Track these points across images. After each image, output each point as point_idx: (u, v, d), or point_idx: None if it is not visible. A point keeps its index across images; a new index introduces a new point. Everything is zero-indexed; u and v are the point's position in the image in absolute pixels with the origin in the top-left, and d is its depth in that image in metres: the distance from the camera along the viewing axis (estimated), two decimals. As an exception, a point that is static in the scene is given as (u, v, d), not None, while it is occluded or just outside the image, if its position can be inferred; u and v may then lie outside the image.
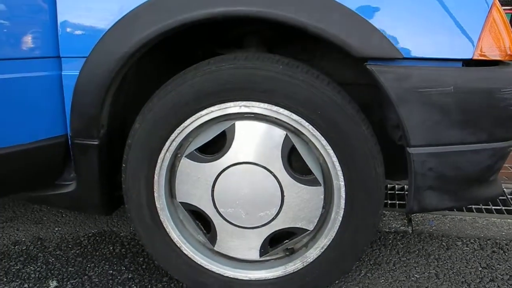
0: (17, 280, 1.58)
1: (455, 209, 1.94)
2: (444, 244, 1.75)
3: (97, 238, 1.86)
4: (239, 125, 1.20)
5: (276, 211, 1.24)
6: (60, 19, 1.20)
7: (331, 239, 1.26)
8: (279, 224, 1.26)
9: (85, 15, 1.19)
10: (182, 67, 1.29)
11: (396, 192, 2.18)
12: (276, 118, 1.17)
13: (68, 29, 1.20)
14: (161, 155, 1.23)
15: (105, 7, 1.18)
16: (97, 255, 1.73)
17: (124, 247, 1.78)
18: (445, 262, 1.62)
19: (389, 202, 2.06)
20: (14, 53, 1.17)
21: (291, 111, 1.15)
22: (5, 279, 1.59)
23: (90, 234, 1.90)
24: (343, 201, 1.21)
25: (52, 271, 1.63)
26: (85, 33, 1.20)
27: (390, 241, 1.78)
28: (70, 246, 1.81)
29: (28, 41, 1.20)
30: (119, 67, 1.17)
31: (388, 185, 2.21)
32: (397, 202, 2.07)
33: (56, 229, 1.96)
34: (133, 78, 1.29)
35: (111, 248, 1.78)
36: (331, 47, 1.12)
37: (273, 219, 1.25)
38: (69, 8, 1.20)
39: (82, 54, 1.20)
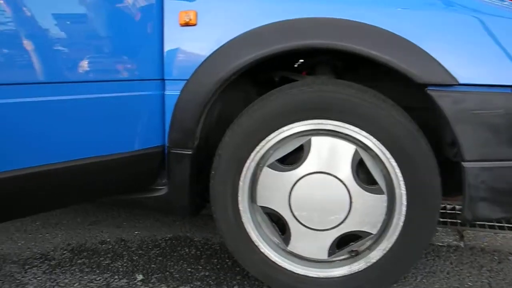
0: (108, 273, 1.81)
1: (506, 228, 2.07)
2: (496, 258, 1.88)
3: (174, 241, 2.08)
4: (315, 140, 1.40)
5: (345, 216, 1.42)
6: (166, 48, 1.45)
7: (392, 243, 1.43)
8: (346, 227, 1.44)
9: (188, 45, 1.44)
10: (261, 90, 1.51)
11: (448, 211, 2.32)
12: (347, 134, 1.37)
13: (172, 57, 1.45)
14: (247, 165, 1.44)
15: (205, 39, 1.42)
16: (175, 255, 1.94)
17: (199, 250, 1.99)
18: (497, 273, 1.75)
19: (441, 220, 2.20)
20: (127, 75, 1.42)
21: (361, 129, 1.35)
22: (97, 271, 1.82)
23: (167, 238, 2.12)
24: (404, 208, 1.39)
25: (137, 267, 1.85)
26: (186, 59, 1.44)
27: (443, 253, 1.92)
28: (150, 247, 2.03)
29: (138, 66, 1.45)
30: (216, 88, 1.40)
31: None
32: (449, 220, 2.21)
33: (136, 232, 2.20)
34: (220, 98, 1.52)
35: (187, 250, 1.99)
36: (392, 74, 1.32)
37: (341, 222, 1.43)
38: (174, 39, 1.45)
39: (183, 77, 1.44)
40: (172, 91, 1.46)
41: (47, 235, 2.21)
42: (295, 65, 1.78)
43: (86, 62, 1.35)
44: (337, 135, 1.39)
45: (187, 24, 1.41)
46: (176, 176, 1.54)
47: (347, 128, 1.36)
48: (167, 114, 1.49)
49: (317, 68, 1.64)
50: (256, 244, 1.52)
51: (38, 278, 1.77)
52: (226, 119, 1.56)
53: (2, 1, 1.18)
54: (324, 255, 1.49)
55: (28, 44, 1.23)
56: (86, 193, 1.50)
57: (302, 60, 1.72)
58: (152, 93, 1.46)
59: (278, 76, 1.66)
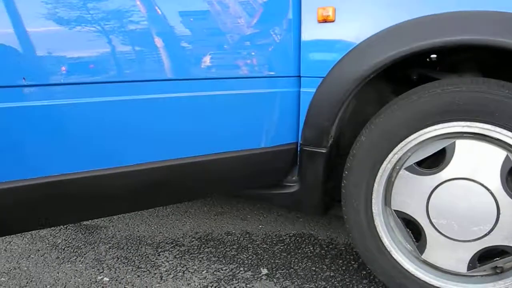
0: (234, 264, 1.85)
1: None
2: None
3: (298, 238, 2.08)
4: (460, 143, 1.30)
5: (490, 228, 1.30)
6: (303, 44, 1.44)
7: (546, 262, 1.28)
8: (491, 241, 1.32)
9: (325, 42, 1.41)
10: (395, 87, 1.43)
11: None
12: (497, 139, 1.25)
13: (309, 54, 1.43)
14: (383, 166, 1.38)
15: (343, 35, 1.38)
16: (300, 253, 1.94)
17: (323, 249, 1.96)
18: None
19: None
20: (264, 72, 1.43)
21: (515, 133, 1.22)
22: (224, 261, 1.87)
23: (291, 234, 2.12)
24: None
25: (262, 261, 1.87)
26: (324, 56, 1.41)
27: None
28: (274, 242, 2.05)
29: (275, 63, 1.45)
30: (354, 87, 1.36)
31: None
32: None
33: (260, 226, 2.23)
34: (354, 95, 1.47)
35: (311, 248, 1.97)
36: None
37: (485, 235, 1.32)
38: (311, 35, 1.43)
39: (320, 74, 1.42)
40: (308, 88, 1.44)
41: (176, 221, 2.33)
42: (429, 60, 1.66)
43: (225, 59, 1.38)
44: (485, 139, 1.27)
45: (325, 21, 1.39)
46: (308, 175, 1.52)
47: (499, 132, 1.24)
48: (302, 112, 1.48)
49: (460, 66, 1.51)
50: (388, 249, 1.46)
51: (170, 262, 1.87)
52: (359, 117, 1.51)
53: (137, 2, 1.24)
54: (463, 268, 1.39)
55: (172, 43, 1.30)
56: (220, 186, 1.55)
57: (435, 56, 1.60)
58: (288, 90, 1.46)
59: (416, 73, 1.56)
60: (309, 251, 1.94)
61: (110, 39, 1.22)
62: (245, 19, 1.40)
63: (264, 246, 2.00)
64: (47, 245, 2.11)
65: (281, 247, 1.98)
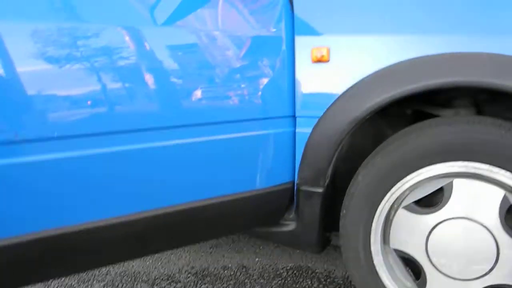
0: (232, 302, 1.83)
1: None
2: None
3: (295, 271, 2.06)
4: (457, 182, 1.30)
5: (490, 267, 1.30)
6: (297, 84, 1.44)
7: (548, 300, 1.28)
8: (492, 280, 1.31)
9: (320, 82, 1.41)
10: (392, 122, 1.43)
11: None
12: (495, 178, 1.25)
13: (304, 94, 1.43)
14: (381, 206, 1.38)
15: (338, 76, 1.38)
16: (297, 287, 1.92)
17: (321, 283, 1.94)
18: None
19: None
20: (259, 114, 1.42)
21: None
22: (221, 300, 1.85)
23: (288, 267, 2.10)
24: None
25: (260, 298, 1.85)
26: (319, 96, 1.41)
27: None
28: (271, 276, 2.03)
29: (270, 104, 1.45)
30: (350, 128, 1.35)
31: None
32: None
33: (257, 259, 2.21)
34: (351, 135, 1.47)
35: (309, 282, 1.95)
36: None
37: (486, 273, 1.31)
38: (306, 75, 1.43)
39: (315, 115, 1.42)
40: (304, 128, 1.44)
41: (172, 255, 2.30)
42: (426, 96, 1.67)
43: (218, 103, 1.37)
44: (483, 178, 1.27)
45: (319, 61, 1.39)
46: (305, 213, 1.51)
47: (496, 172, 1.24)
48: (298, 151, 1.47)
49: (455, 101, 1.52)
50: (387, 287, 1.44)
51: (167, 301, 1.84)
52: (356, 153, 1.50)
53: (127, 39, 1.23)
54: (464, 307, 1.37)
55: (165, 91, 1.29)
56: (218, 230, 1.53)
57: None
58: (283, 130, 1.46)
59: (411, 109, 1.57)
60: (306, 286, 1.92)
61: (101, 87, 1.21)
62: (238, 60, 1.40)
63: (261, 281, 1.98)
64: (39, 284, 2.07)
65: (279, 282, 1.96)
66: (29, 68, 1.11)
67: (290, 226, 1.58)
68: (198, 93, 1.34)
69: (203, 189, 1.39)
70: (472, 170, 1.26)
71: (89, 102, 1.17)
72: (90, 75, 1.17)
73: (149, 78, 1.27)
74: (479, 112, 1.49)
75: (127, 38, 1.24)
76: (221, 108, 1.37)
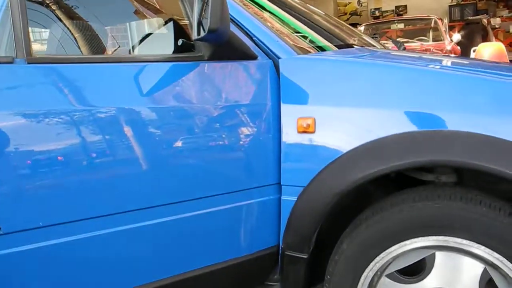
0: None
1: None
2: None
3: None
4: (439, 255, 1.33)
5: (473, 336, 1.33)
6: (283, 153, 1.44)
7: None
8: None
9: (305, 152, 1.42)
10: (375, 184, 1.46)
11: None
12: (475, 254, 1.28)
13: (289, 163, 1.43)
14: (364, 274, 1.40)
15: (323, 147, 1.39)
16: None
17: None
18: None
19: None
20: (245, 184, 1.43)
21: (492, 250, 1.25)
22: None
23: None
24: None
25: None
26: (304, 167, 1.42)
27: None
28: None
29: (256, 173, 1.46)
30: (334, 200, 1.37)
31: None
32: None
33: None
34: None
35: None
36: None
37: None
38: (291, 145, 1.43)
39: (300, 184, 1.43)
40: (289, 196, 1.45)
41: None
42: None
43: (206, 178, 1.39)
44: (464, 251, 1.30)
45: (304, 131, 1.40)
46: (289, 277, 1.53)
47: (476, 248, 1.27)
48: (283, 217, 1.48)
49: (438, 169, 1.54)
50: None
51: None
52: (341, 216, 1.52)
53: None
54: None
55: (153, 169, 1.31)
56: None
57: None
58: (269, 198, 1.47)
59: (394, 172, 1.58)
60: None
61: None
62: (225, 130, 1.40)
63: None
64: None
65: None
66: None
67: (274, 287, 1.59)
68: (186, 169, 1.36)
69: (193, 260, 1.42)
70: (453, 245, 1.30)
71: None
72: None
73: (136, 157, 1.27)
74: (460, 176, 1.51)
75: (108, 118, 1.24)
76: (209, 183, 1.39)
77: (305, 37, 1.77)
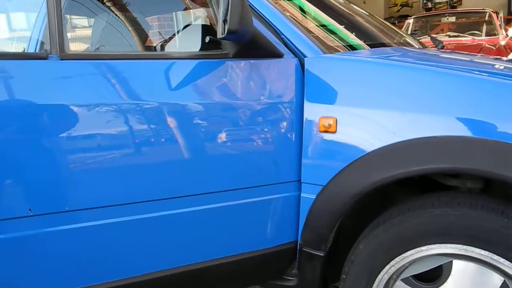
0: None
1: None
2: None
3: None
4: (457, 263, 1.31)
5: None
6: (304, 151, 1.45)
7: None
8: None
9: (325, 152, 1.42)
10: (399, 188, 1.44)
11: None
12: (495, 265, 1.25)
13: (310, 161, 1.44)
14: (380, 276, 1.40)
15: (343, 148, 1.39)
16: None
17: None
18: None
19: None
20: (267, 180, 1.46)
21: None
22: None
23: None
24: None
25: None
26: (323, 166, 1.43)
27: None
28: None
29: (278, 169, 1.49)
30: (352, 201, 1.37)
31: None
32: None
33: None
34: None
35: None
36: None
37: None
38: (312, 144, 1.44)
39: (319, 182, 1.43)
40: (308, 194, 1.46)
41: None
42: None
43: (228, 172, 1.43)
44: (484, 262, 1.28)
45: (326, 131, 1.40)
46: (306, 272, 1.55)
47: (495, 260, 1.24)
48: (302, 214, 1.49)
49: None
50: None
51: None
52: (359, 218, 1.52)
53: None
54: None
55: (183, 159, 1.39)
56: (228, 283, 1.62)
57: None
58: (290, 194, 1.49)
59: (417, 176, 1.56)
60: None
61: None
62: (249, 127, 1.43)
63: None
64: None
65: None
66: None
67: (292, 281, 1.62)
68: (213, 163, 1.43)
69: (214, 250, 1.50)
70: (472, 254, 1.27)
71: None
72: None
73: (166, 150, 1.35)
74: (488, 182, 1.48)
75: (139, 114, 1.29)
76: (233, 177, 1.44)
77: (337, 35, 1.75)
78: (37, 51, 1.43)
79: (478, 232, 1.24)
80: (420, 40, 2.83)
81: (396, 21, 11.39)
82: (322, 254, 1.49)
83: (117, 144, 1.32)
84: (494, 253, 1.24)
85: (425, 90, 1.33)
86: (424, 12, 11.04)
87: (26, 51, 1.74)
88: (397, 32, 2.31)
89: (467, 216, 1.26)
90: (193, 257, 1.47)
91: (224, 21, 1.26)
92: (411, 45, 2.10)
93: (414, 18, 7.64)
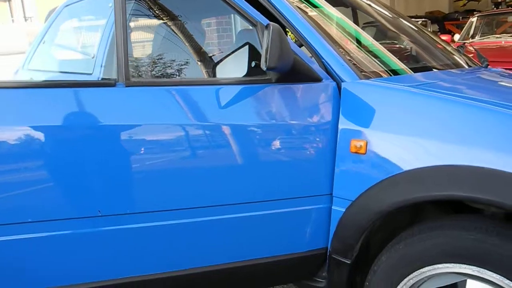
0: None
1: None
2: None
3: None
4: (471, 283, 1.41)
5: None
6: (336, 169, 1.60)
7: None
8: None
9: (355, 170, 1.57)
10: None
11: None
12: (509, 288, 1.35)
13: (341, 177, 1.59)
14: (399, 286, 1.53)
15: (371, 168, 1.53)
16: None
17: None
18: None
19: None
20: (303, 193, 1.63)
21: (529, 290, 1.32)
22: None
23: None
24: None
25: None
26: (353, 183, 1.57)
27: None
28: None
29: (313, 184, 1.65)
30: (377, 218, 1.51)
31: None
32: None
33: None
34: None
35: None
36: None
37: None
38: (344, 163, 1.59)
39: (349, 197, 1.58)
40: (338, 207, 1.61)
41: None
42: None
43: (272, 184, 1.63)
44: (497, 285, 1.38)
45: (356, 152, 1.54)
46: (334, 277, 1.70)
47: (507, 284, 1.33)
48: (333, 224, 1.64)
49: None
50: None
51: None
52: (390, 223, 1.65)
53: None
54: None
55: (238, 173, 1.60)
56: (262, 284, 1.84)
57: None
58: (322, 206, 1.64)
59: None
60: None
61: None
62: (290, 147, 1.63)
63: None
64: None
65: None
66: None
67: (321, 283, 1.78)
68: (261, 177, 1.62)
69: (264, 250, 1.71)
70: (485, 276, 1.38)
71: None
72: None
73: (221, 164, 1.58)
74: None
75: (186, 133, 1.49)
76: (276, 188, 1.64)
77: (379, 59, 1.86)
78: (103, 76, 1.68)
79: (491, 257, 1.34)
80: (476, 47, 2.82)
81: (461, 17, 10.97)
82: (348, 262, 1.64)
83: (177, 158, 1.56)
84: (506, 278, 1.34)
85: (445, 121, 1.45)
86: (494, 6, 10.59)
87: (91, 74, 2.00)
88: (445, 49, 2.36)
89: (482, 241, 1.36)
90: (245, 254, 1.68)
91: (266, 52, 1.42)
92: (457, 65, 2.15)
93: (478, 16, 7.38)
